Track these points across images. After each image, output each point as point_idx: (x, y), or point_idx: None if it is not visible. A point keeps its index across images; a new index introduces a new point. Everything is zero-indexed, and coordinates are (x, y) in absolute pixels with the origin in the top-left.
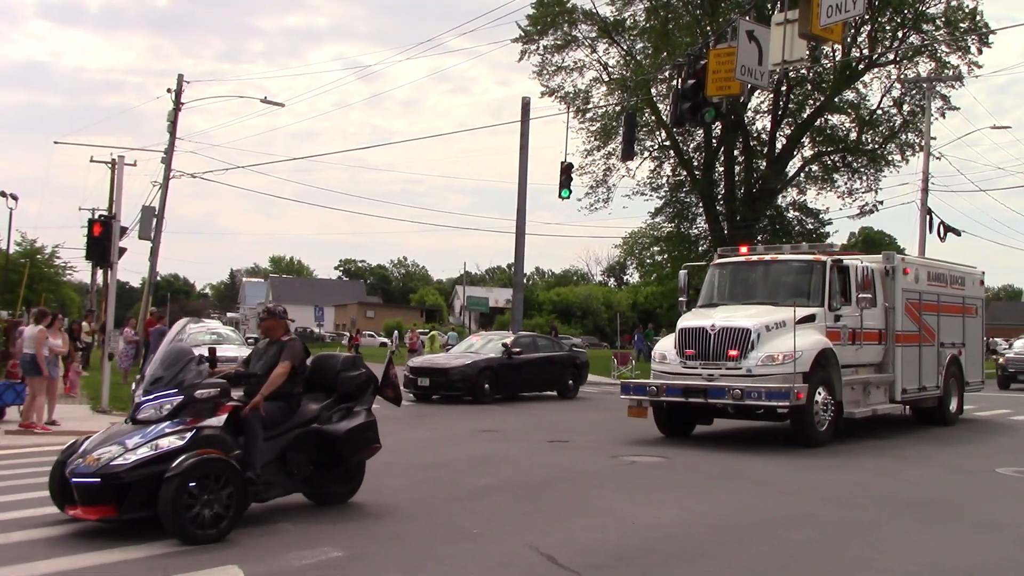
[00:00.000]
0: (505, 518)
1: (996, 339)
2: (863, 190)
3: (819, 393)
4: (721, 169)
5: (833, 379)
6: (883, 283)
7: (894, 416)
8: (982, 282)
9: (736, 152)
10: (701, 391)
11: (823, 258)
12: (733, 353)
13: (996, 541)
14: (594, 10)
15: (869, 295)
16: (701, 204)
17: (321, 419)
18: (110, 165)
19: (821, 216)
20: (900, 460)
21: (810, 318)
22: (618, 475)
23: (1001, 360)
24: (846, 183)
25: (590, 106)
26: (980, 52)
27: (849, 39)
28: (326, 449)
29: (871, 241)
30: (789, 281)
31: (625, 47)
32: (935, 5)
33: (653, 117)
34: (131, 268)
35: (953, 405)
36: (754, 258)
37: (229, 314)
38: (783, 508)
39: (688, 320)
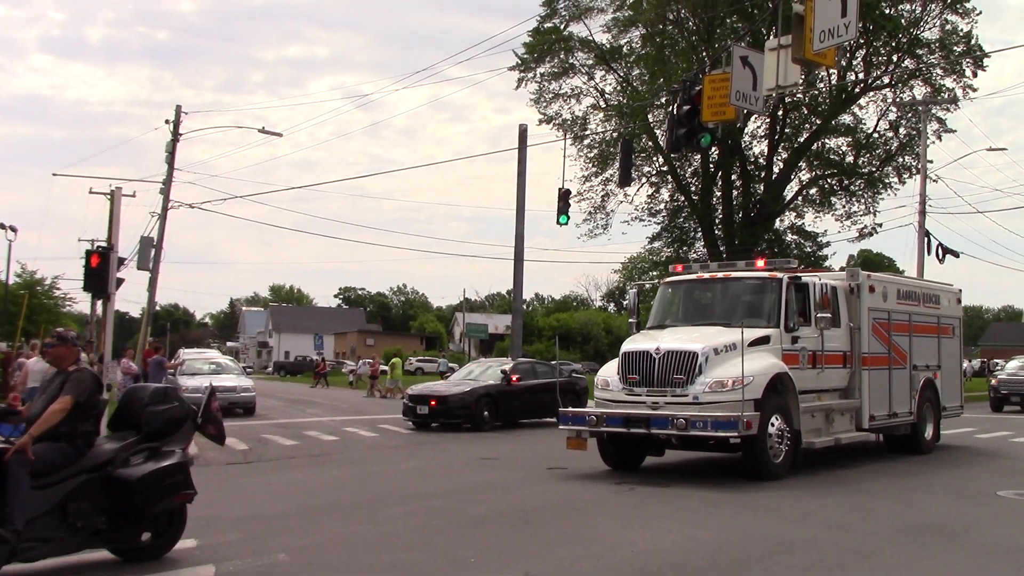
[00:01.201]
0: (502, 547)
1: (997, 360)
2: (861, 213)
3: (773, 422)
4: (719, 194)
5: (790, 406)
6: (848, 302)
7: (868, 444)
8: (959, 300)
9: (733, 177)
10: (643, 421)
11: (779, 275)
12: (679, 378)
13: (997, 565)
14: (591, 38)
15: (829, 314)
16: (699, 229)
17: (116, 462)
18: (109, 196)
19: (819, 239)
20: (899, 484)
21: (764, 340)
22: (617, 501)
23: (993, 382)
24: (844, 206)
25: (587, 132)
26: (975, 75)
27: (844, 63)
28: (119, 497)
29: (870, 264)
30: (743, 300)
31: (622, 74)
32: (929, 29)
33: (650, 143)
34: (131, 299)
35: (929, 432)
36: (706, 276)
37: (229, 343)
38: (783, 533)
39: (632, 343)
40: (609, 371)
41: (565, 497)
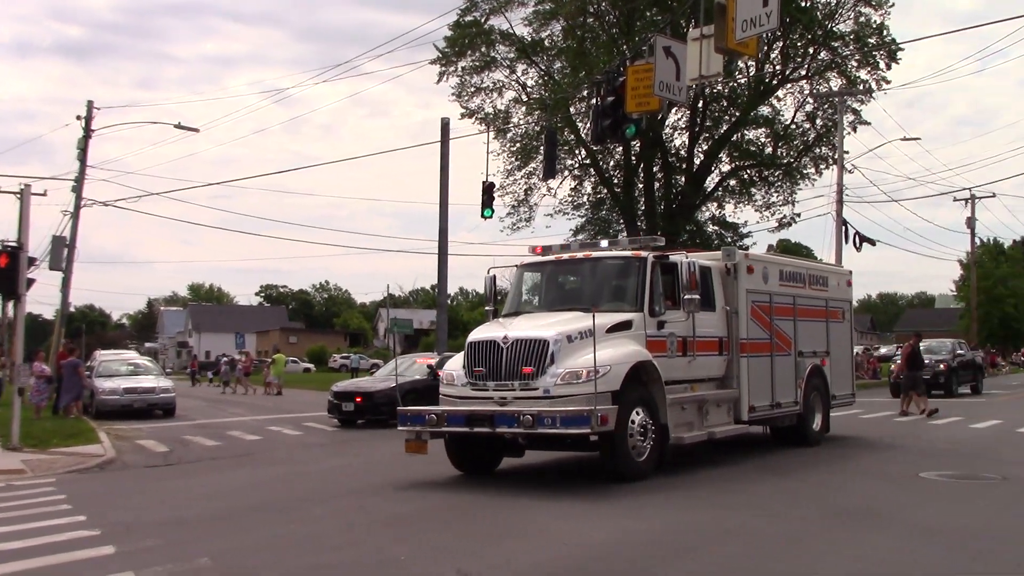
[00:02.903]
0: (434, 543)
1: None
2: (780, 203)
3: (635, 416)
4: (641, 186)
5: (655, 398)
6: (724, 283)
7: (757, 436)
8: (849, 282)
9: (655, 169)
10: (487, 419)
11: (643, 254)
12: (527, 370)
13: (925, 547)
14: (512, 31)
15: (698, 296)
16: (622, 221)
17: None
18: (18, 195)
19: (740, 230)
20: (823, 469)
21: (625, 325)
22: (550, 494)
23: (893, 367)
24: (763, 197)
25: (510, 126)
26: (889, 67)
27: (762, 55)
28: None
29: (789, 253)
30: (605, 283)
31: (543, 67)
32: (844, 22)
33: (572, 136)
34: (44, 300)
35: (817, 422)
36: (565, 257)
37: (147, 344)
38: (715, 522)
39: (478, 332)
40: (455, 364)
41: (496, 492)
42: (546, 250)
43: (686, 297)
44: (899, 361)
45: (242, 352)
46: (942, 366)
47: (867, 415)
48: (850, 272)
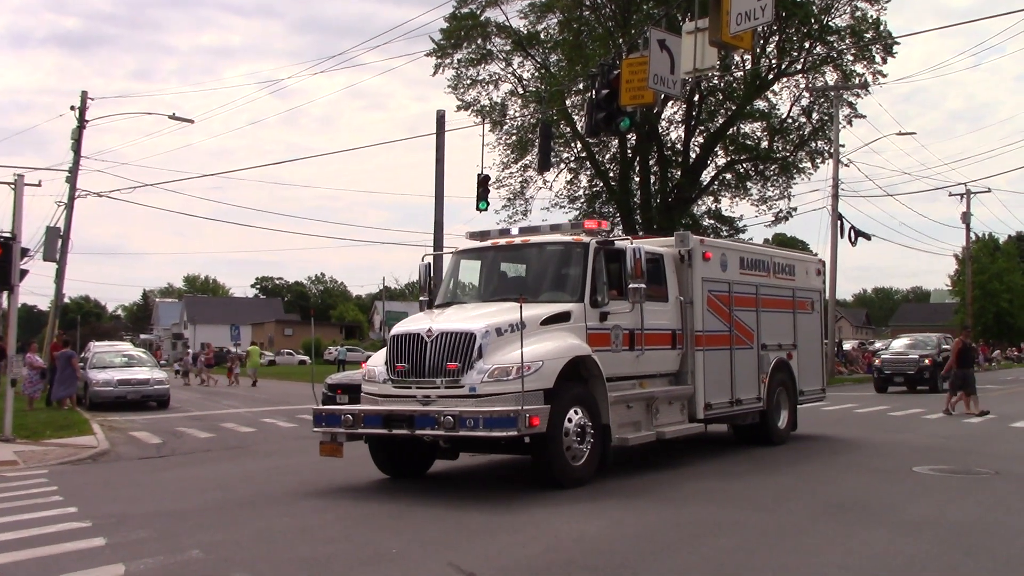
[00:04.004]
0: (426, 536)
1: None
2: (776, 197)
3: (572, 416)
4: (637, 179)
5: (596, 396)
6: (677, 272)
7: (723, 435)
8: (819, 271)
9: (651, 162)
10: (406, 419)
11: (585, 240)
12: (452, 366)
13: (917, 541)
14: (507, 24)
15: (643, 285)
16: (618, 215)
17: None
18: (12, 185)
19: (736, 224)
20: (815, 463)
21: (562, 317)
22: (540, 487)
23: (877, 362)
24: (759, 191)
25: (506, 119)
26: (885, 61)
27: (758, 50)
28: None
29: (785, 246)
30: (545, 271)
31: (539, 60)
32: (840, 16)
33: (568, 129)
34: (39, 291)
35: (783, 420)
36: (502, 243)
37: (142, 336)
38: (708, 516)
39: (402, 325)
40: (378, 360)
41: (490, 485)
42: (485, 235)
43: (632, 286)
44: (948, 358)
45: (204, 344)
46: (927, 361)
47: (861, 409)
48: (820, 260)
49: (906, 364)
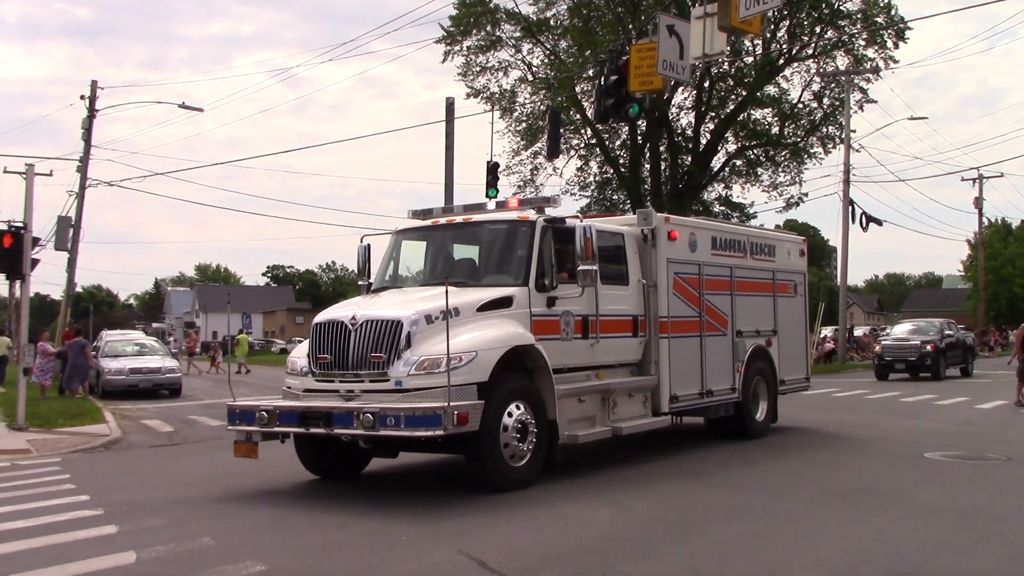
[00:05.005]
0: (436, 523)
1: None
2: (787, 183)
3: (512, 411)
4: (647, 166)
5: (541, 389)
6: (640, 253)
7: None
8: (803, 252)
9: (661, 148)
10: (323, 417)
11: (531, 217)
12: (376, 357)
13: (928, 527)
14: (517, 10)
15: (594, 267)
16: (628, 201)
17: None
18: (24, 175)
19: (747, 210)
20: (828, 449)
21: (503, 302)
22: (552, 473)
23: (877, 348)
24: (770, 176)
25: (515, 106)
26: (896, 46)
27: (769, 34)
28: None
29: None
30: (488, 252)
31: (549, 47)
32: (850, 0)
33: (578, 116)
34: (52, 281)
35: (761, 412)
36: (442, 222)
37: (155, 324)
38: (718, 502)
39: (327, 312)
40: (301, 350)
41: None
42: (426, 213)
43: (582, 268)
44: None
45: (188, 331)
46: (929, 347)
47: (872, 395)
48: (803, 240)
49: (907, 350)
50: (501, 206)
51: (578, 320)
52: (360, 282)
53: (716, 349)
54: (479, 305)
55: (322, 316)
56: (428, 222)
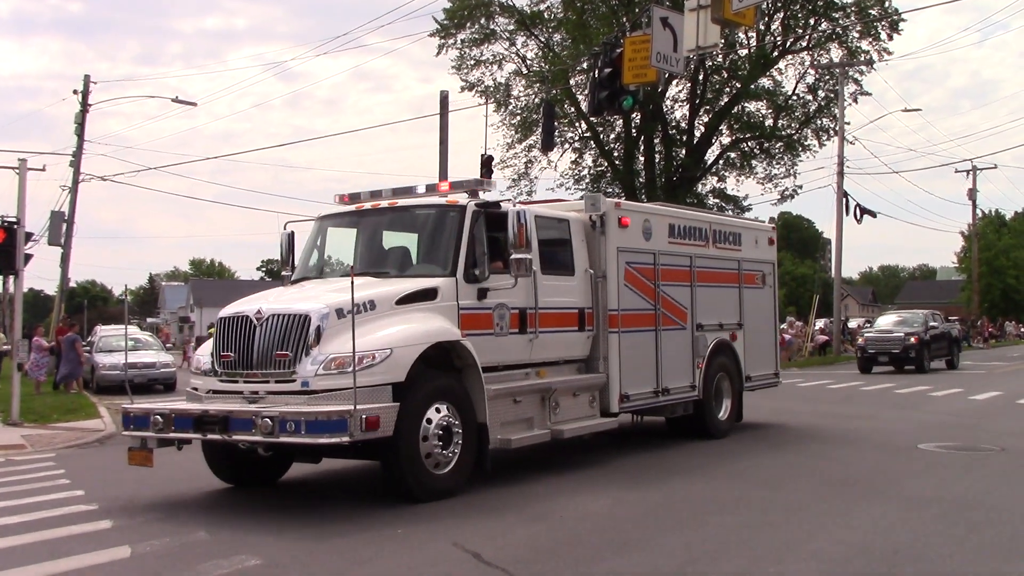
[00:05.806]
0: (431, 517)
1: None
2: (781, 175)
3: (432, 414)
4: (642, 159)
5: (470, 389)
6: (588, 241)
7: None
8: (771, 240)
9: (656, 141)
10: (220, 421)
11: (461, 202)
12: (282, 355)
13: (922, 517)
14: (510, 3)
15: (528, 256)
16: (623, 194)
17: None
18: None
19: (741, 203)
20: (825, 441)
21: (426, 294)
22: (545, 466)
23: (860, 340)
24: (765, 169)
25: (510, 99)
26: (890, 38)
27: (763, 27)
28: None
29: (790, 226)
30: (416, 239)
31: (543, 40)
32: None
33: (573, 109)
34: (45, 276)
35: (724, 410)
36: (367, 207)
37: (149, 319)
38: (714, 493)
39: (233, 306)
40: (207, 348)
41: (496, 464)
42: (354, 197)
43: (514, 257)
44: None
45: (158, 327)
46: (913, 339)
47: (867, 387)
48: (772, 227)
49: (891, 342)
50: (431, 189)
51: (514, 313)
52: (284, 273)
53: (673, 344)
54: (399, 298)
55: (227, 310)
56: (353, 207)
